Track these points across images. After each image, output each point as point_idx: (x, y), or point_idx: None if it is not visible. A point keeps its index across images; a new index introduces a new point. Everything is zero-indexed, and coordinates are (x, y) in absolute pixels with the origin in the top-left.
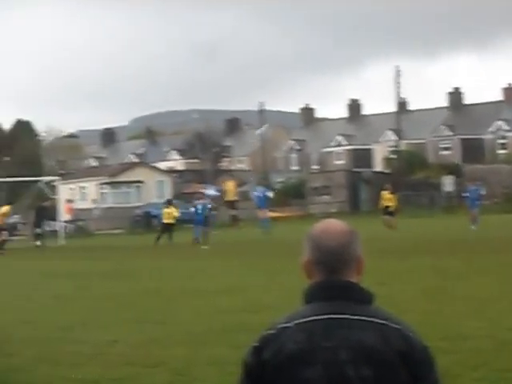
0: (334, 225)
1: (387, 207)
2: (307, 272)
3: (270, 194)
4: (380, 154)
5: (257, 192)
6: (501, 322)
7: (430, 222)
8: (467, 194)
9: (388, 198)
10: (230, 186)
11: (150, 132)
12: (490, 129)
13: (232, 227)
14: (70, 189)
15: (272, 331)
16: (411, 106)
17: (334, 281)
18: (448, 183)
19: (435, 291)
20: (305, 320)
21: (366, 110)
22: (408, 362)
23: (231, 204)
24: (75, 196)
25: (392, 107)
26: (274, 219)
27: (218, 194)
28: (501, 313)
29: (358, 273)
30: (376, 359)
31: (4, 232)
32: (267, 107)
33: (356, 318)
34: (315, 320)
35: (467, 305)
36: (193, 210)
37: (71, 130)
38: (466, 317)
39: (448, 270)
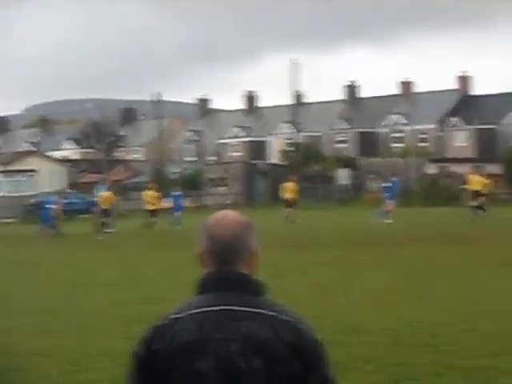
0: (229, 216)
1: (290, 199)
2: (201, 262)
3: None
4: (276, 147)
5: None
6: (395, 315)
7: (325, 214)
8: (389, 185)
9: (291, 190)
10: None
11: (44, 121)
12: (385, 122)
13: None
14: None
15: (164, 322)
16: (308, 99)
17: (226, 272)
18: (343, 176)
19: (331, 284)
20: (197, 311)
21: (263, 102)
22: (299, 354)
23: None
24: None
25: (288, 100)
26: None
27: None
28: (395, 306)
29: (251, 265)
30: (266, 351)
31: None
32: (164, 97)
33: (247, 309)
34: (207, 311)
35: (363, 298)
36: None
37: None
38: (361, 310)
39: (344, 263)
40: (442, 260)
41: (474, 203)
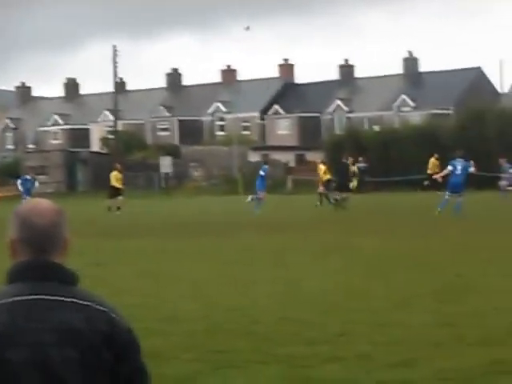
0: (43, 204)
1: (117, 187)
2: (13, 251)
3: None
4: (97, 134)
5: None
6: (215, 304)
7: (147, 203)
8: (262, 173)
9: (118, 179)
10: None
11: None
12: (209, 110)
13: None
14: None
15: None
16: (129, 87)
17: (39, 260)
18: (166, 164)
19: (152, 273)
20: (8, 300)
21: (84, 89)
22: (112, 344)
23: None
24: None
25: (110, 87)
26: None
27: None
28: (215, 294)
29: (64, 253)
30: (80, 341)
31: None
32: None
33: (61, 299)
34: (18, 300)
35: (183, 287)
36: None
37: None
38: (181, 299)
39: (165, 251)
40: (262, 248)
41: (322, 190)
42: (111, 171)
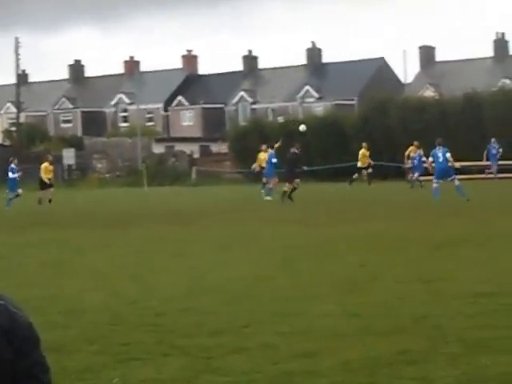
0: None
1: (45, 180)
2: None
3: None
4: (0, 127)
5: None
6: (119, 296)
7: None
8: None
9: (49, 170)
10: None
11: None
12: (112, 102)
13: None
14: None
15: None
16: (32, 79)
17: None
18: (69, 156)
19: (54, 265)
20: None
21: None
22: (11, 338)
23: None
24: None
25: (12, 79)
26: None
27: None
28: (118, 286)
29: None
30: None
31: None
32: None
33: None
34: None
35: (86, 278)
36: None
37: None
38: (84, 290)
39: (68, 243)
40: (167, 239)
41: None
42: (41, 163)
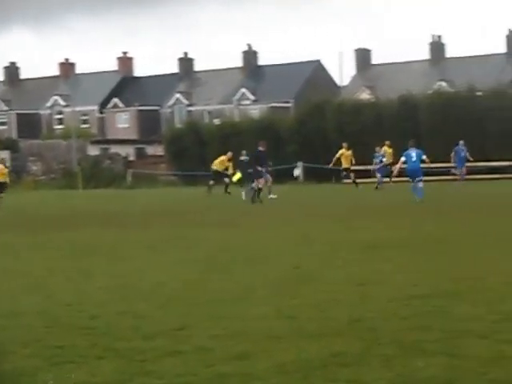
0: None
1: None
2: None
3: None
4: None
5: None
6: (54, 298)
7: None
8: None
9: (3, 173)
10: None
11: None
12: (47, 104)
13: None
14: None
15: None
16: None
17: None
18: (4, 158)
19: None
20: None
21: None
22: None
23: None
24: None
25: None
26: None
27: None
28: (53, 289)
29: None
30: None
31: None
32: None
33: None
34: None
35: (20, 281)
36: None
37: None
38: (19, 293)
39: (3, 245)
40: (101, 241)
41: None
42: None
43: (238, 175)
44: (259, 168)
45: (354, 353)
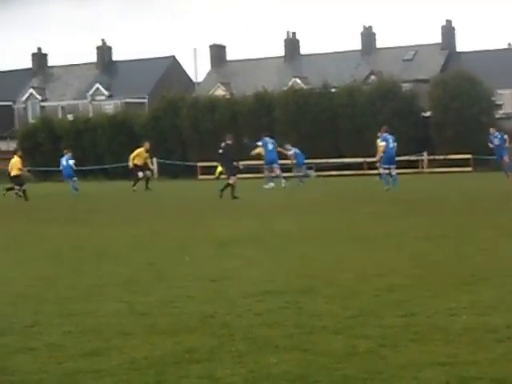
0: None
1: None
2: None
3: None
4: None
5: None
6: None
7: None
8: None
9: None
10: None
11: None
12: None
13: None
14: None
15: None
16: None
17: None
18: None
19: None
20: None
21: None
22: None
23: None
24: None
25: None
26: None
27: None
28: None
29: None
30: None
31: None
32: None
33: None
34: None
35: None
36: None
37: None
38: None
39: None
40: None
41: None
42: None
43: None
44: (226, 163)
45: (207, 349)
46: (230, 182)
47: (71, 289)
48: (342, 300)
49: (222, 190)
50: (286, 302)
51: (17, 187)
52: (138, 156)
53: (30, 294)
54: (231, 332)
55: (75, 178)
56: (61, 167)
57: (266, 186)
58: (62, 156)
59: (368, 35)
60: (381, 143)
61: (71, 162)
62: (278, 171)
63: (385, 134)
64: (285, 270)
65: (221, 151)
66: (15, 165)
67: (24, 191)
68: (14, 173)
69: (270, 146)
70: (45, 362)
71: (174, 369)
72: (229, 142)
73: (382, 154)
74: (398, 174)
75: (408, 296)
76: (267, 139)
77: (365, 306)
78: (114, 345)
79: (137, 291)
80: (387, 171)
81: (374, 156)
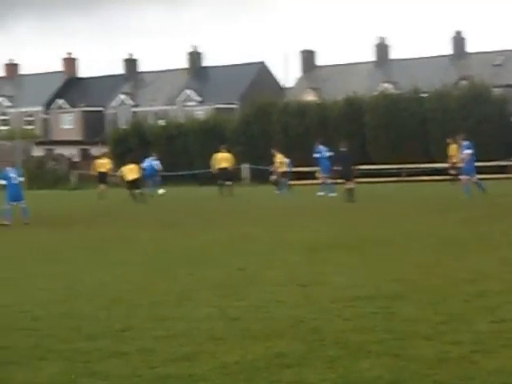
0: None
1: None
2: None
3: None
4: None
5: None
6: None
7: None
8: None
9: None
10: None
11: None
12: None
13: None
14: None
15: None
16: None
17: None
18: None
19: None
20: None
21: None
22: None
23: None
24: None
25: None
26: None
27: None
28: None
29: None
30: None
31: None
32: None
33: None
34: None
35: None
36: None
37: None
38: None
39: None
40: (42, 242)
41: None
42: None
43: None
44: (343, 168)
45: (298, 354)
46: (348, 186)
47: (163, 293)
48: (432, 305)
49: (350, 196)
50: (377, 307)
51: (136, 190)
52: (222, 160)
53: (123, 299)
54: (322, 337)
55: (157, 180)
56: (144, 166)
57: (321, 193)
58: (146, 157)
59: (458, 40)
60: (465, 151)
61: (155, 163)
62: (325, 180)
63: (467, 142)
64: (375, 275)
65: (336, 156)
66: (130, 169)
67: (140, 194)
68: (131, 177)
69: (326, 154)
70: (137, 366)
71: (265, 373)
72: (343, 148)
73: (464, 162)
74: (487, 179)
75: (499, 302)
76: (322, 147)
77: (455, 311)
78: (205, 349)
79: (228, 296)
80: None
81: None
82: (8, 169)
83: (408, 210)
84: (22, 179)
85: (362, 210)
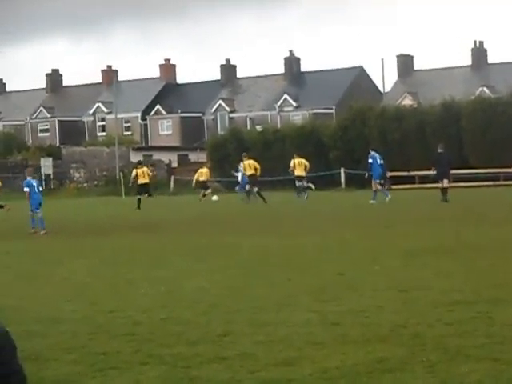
0: None
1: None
2: None
3: None
4: None
5: None
6: (97, 305)
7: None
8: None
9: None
10: None
11: None
12: (90, 111)
13: None
14: None
15: None
16: (9, 88)
17: None
18: (47, 165)
19: (30, 276)
20: None
21: None
22: None
23: None
24: None
25: None
26: None
27: None
28: (96, 296)
29: None
30: None
31: None
32: None
33: None
34: None
35: (64, 288)
36: None
37: None
38: (62, 300)
39: (44, 254)
40: (142, 248)
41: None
42: None
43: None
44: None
45: (398, 359)
46: (443, 185)
47: (262, 299)
48: None
49: (444, 196)
50: (477, 311)
51: (206, 191)
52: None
53: (223, 304)
54: (422, 342)
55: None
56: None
57: (373, 201)
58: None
59: None
60: None
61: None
62: (378, 186)
63: None
64: (474, 280)
65: (434, 158)
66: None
67: (205, 196)
68: (202, 178)
69: (379, 161)
70: (237, 371)
71: (365, 378)
72: (440, 150)
73: None
74: None
75: None
76: (374, 153)
77: None
78: (305, 354)
79: (327, 301)
80: None
81: None
82: (29, 178)
83: (506, 214)
84: (41, 189)
85: (459, 214)
